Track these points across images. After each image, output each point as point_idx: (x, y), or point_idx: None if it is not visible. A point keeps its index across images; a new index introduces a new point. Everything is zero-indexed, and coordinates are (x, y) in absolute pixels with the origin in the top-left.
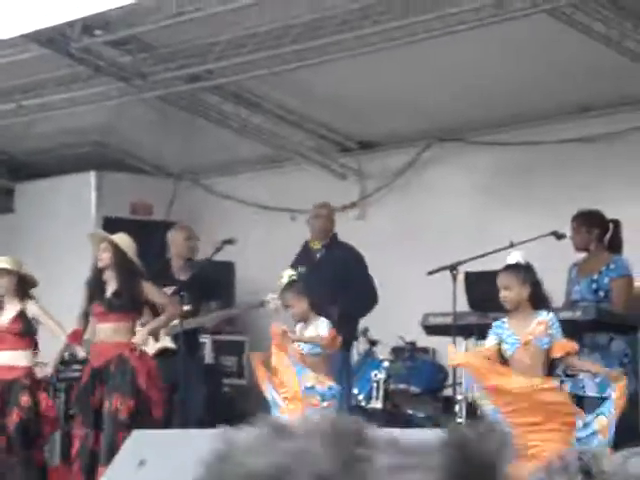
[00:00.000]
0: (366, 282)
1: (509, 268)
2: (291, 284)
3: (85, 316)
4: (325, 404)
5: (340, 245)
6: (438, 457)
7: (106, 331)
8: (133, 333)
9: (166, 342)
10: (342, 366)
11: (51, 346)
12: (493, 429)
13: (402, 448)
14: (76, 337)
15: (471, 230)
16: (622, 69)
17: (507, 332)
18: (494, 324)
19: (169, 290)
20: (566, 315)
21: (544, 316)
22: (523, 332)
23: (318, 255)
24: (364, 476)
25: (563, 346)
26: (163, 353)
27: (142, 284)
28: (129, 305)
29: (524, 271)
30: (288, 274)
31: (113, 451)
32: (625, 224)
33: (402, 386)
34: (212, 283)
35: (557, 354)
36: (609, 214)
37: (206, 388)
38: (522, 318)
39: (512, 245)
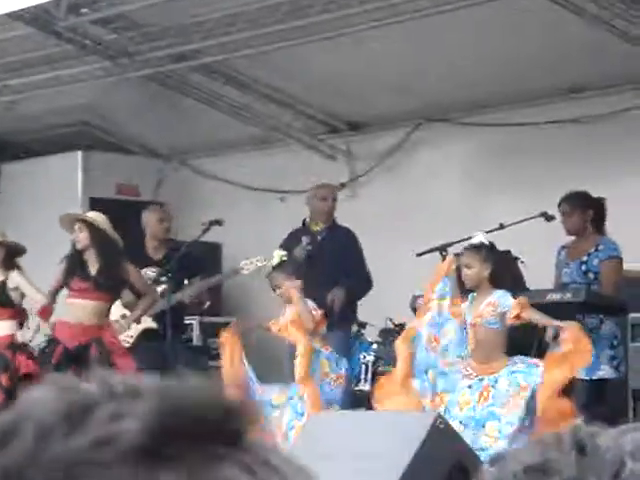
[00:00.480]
0: (363, 266)
1: (471, 248)
2: (281, 264)
3: (54, 294)
4: (334, 376)
5: (340, 227)
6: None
7: (84, 310)
8: (107, 315)
9: (148, 323)
10: (341, 346)
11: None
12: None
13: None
14: (45, 313)
15: (461, 211)
16: (613, 50)
17: (467, 311)
18: (469, 296)
19: (151, 271)
20: (556, 297)
21: (494, 296)
22: (475, 313)
23: (319, 237)
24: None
25: (514, 306)
26: (146, 334)
27: (126, 265)
28: (112, 285)
29: (486, 251)
30: (279, 254)
31: None
32: (615, 205)
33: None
34: (198, 264)
35: (512, 316)
36: (601, 195)
37: (193, 370)
38: (480, 297)
39: (502, 227)
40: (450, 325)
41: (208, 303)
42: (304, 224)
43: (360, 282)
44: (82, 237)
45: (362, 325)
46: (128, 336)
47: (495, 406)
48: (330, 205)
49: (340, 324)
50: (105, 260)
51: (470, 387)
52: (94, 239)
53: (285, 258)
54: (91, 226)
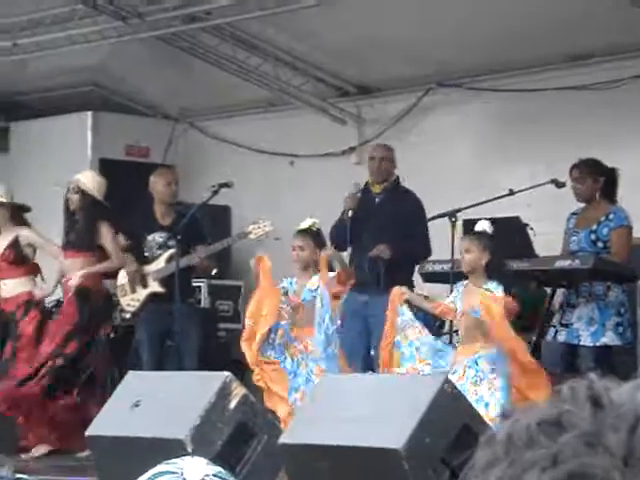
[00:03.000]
0: (422, 231)
1: (473, 234)
2: (308, 231)
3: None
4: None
5: (403, 191)
6: None
7: (67, 267)
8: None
9: (155, 287)
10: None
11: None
12: None
13: None
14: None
15: (470, 177)
16: (625, 16)
17: (459, 297)
18: (456, 285)
19: (160, 236)
20: (564, 264)
21: (486, 287)
22: (467, 301)
23: (377, 199)
24: None
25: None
26: (153, 298)
27: (99, 225)
28: (80, 243)
29: (487, 239)
30: (310, 222)
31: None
32: (625, 172)
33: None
34: (205, 228)
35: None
36: (610, 163)
37: (202, 333)
38: (474, 285)
39: (512, 193)
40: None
41: (215, 270)
42: (366, 187)
43: (416, 245)
44: (75, 199)
45: None
46: (135, 300)
47: (467, 384)
48: (377, 165)
49: (391, 288)
50: (83, 219)
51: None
52: (83, 203)
53: (315, 228)
54: (82, 190)
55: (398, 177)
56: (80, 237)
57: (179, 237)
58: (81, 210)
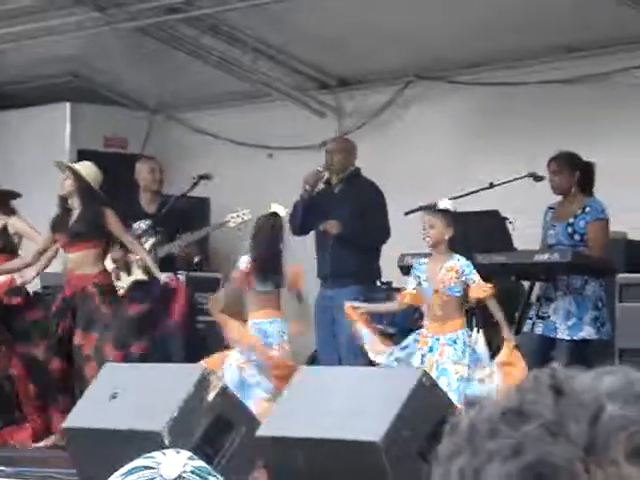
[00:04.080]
0: (379, 217)
1: (437, 210)
2: (269, 217)
3: (40, 253)
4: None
5: (360, 181)
6: None
7: (74, 260)
8: (101, 261)
9: (139, 274)
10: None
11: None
12: None
13: None
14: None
15: (450, 170)
16: (607, 10)
17: (423, 275)
18: (414, 264)
19: (144, 224)
20: (543, 258)
21: (454, 262)
22: (435, 278)
23: (336, 190)
24: None
25: (476, 290)
26: (137, 285)
27: (105, 211)
28: (90, 231)
29: (451, 216)
30: (278, 207)
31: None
32: (605, 166)
33: (378, 326)
34: (186, 218)
35: (472, 299)
36: (591, 157)
37: (182, 324)
38: (438, 261)
39: (491, 186)
40: None
41: (197, 258)
42: (328, 179)
43: (371, 228)
44: (67, 184)
45: None
46: (119, 287)
47: (447, 363)
48: (329, 158)
49: (356, 278)
50: (82, 210)
51: (423, 356)
52: (77, 188)
53: (278, 215)
54: (76, 175)
55: (358, 168)
56: (86, 226)
57: (159, 228)
58: (77, 197)
